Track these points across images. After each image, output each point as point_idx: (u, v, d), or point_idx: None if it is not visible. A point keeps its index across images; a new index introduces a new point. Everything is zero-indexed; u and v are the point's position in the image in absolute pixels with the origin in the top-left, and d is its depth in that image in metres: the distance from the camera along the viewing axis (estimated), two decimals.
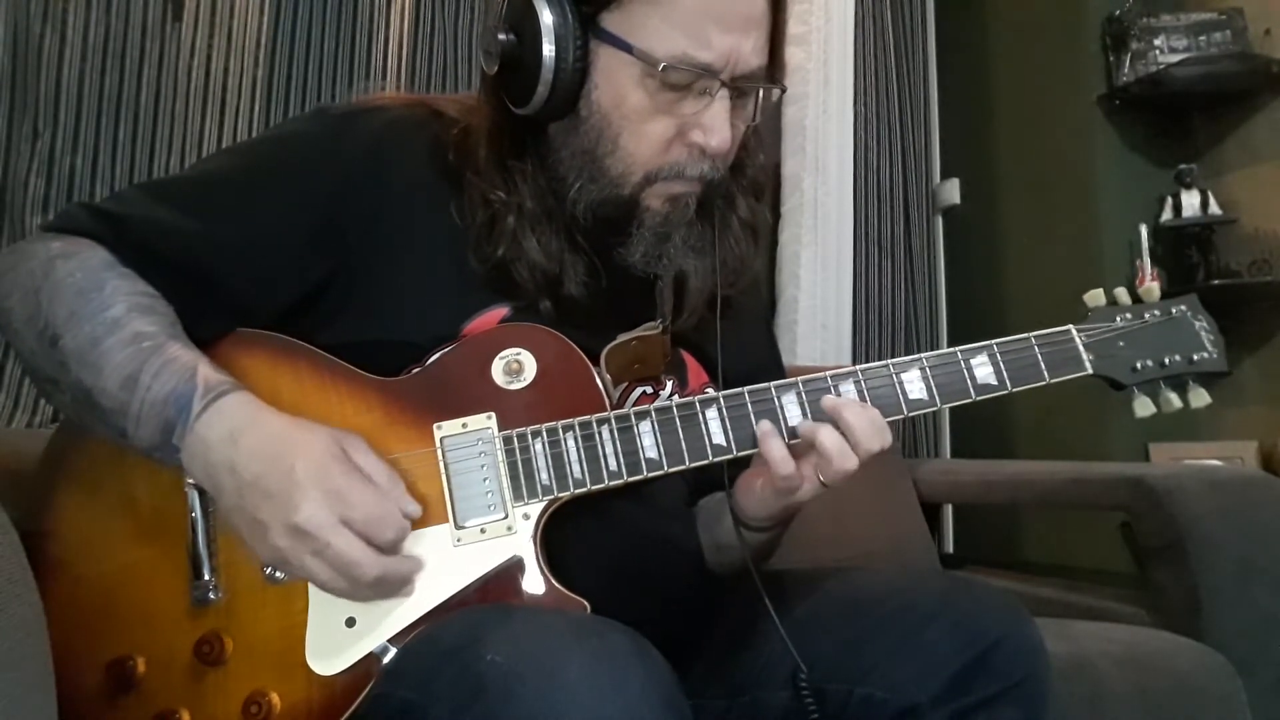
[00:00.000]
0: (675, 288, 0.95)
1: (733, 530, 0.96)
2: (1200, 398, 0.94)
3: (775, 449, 0.84)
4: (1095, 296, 0.95)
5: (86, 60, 1.83)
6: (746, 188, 1.02)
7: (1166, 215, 2.17)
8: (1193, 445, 2.10)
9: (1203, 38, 2.15)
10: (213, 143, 1.93)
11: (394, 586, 0.77)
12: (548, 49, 0.84)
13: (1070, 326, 0.91)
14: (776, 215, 2.38)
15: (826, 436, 0.83)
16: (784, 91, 0.94)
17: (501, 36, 0.87)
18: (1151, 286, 0.96)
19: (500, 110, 0.91)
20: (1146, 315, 0.94)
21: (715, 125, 0.86)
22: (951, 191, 2.59)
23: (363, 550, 0.74)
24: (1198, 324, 0.94)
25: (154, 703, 0.77)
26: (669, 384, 0.98)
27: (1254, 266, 2.08)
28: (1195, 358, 0.93)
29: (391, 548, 0.76)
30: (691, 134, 0.87)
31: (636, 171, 0.88)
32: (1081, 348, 0.90)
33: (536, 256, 0.89)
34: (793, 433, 0.85)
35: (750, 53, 0.86)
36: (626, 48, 0.84)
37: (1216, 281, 2.08)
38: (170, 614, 0.79)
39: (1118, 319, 0.93)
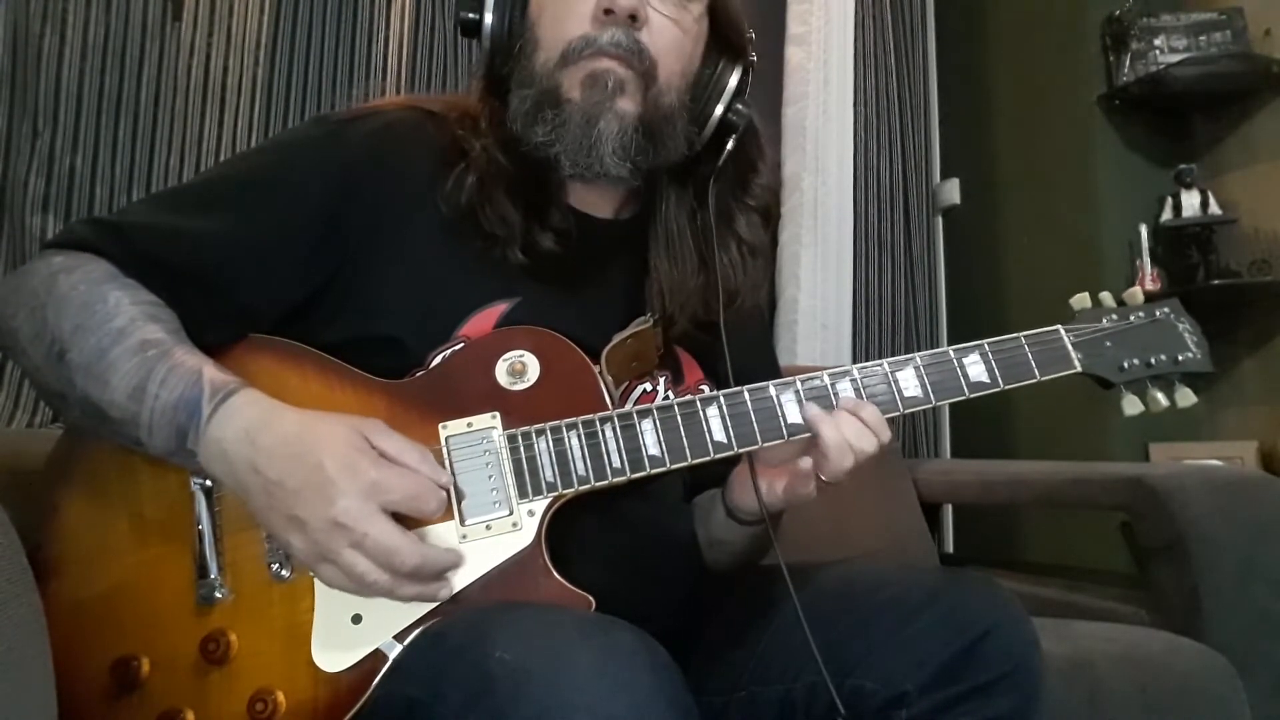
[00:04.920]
0: (658, 283, 0.97)
1: (725, 525, 0.98)
2: (1186, 397, 0.96)
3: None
4: (1081, 300, 0.97)
5: (86, 60, 1.82)
6: (751, 207, 1.03)
7: (1166, 215, 2.18)
8: (1193, 445, 2.11)
9: (1203, 38, 2.16)
10: (213, 142, 1.93)
11: (432, 579, 0.77)
12: None
13: (1059, 326, 0.94)
14: (776, 216, 2.38)
15: (828, 432, 0.84)
16: None
17: None
18: (1135, 291, 0.98)
19: (478, 65, 0.96)
20: (1131, 317, 0.96)
21: None
22: (951, 191, 2.60)
23: (401, 538, 0.74)
24: (1181, 326, 0.97)
25: (158, 702, 0.77)
26: (661, 379, 0.99)
27: (1254, 266, 2.08)
28: (1180, 358, 0.95)
29: (435, 518, 0.77)
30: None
31: (554, 54, 0.90)
32: (1070, 347, 0.93)
33: (502, 203, 0.91)
34: (793, 430, 0.86)
35: None
36: None
37: (1216, 281, 2.09)
38: (175, 613, 0.79)
39: (1104, 320, 0.95)
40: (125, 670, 0.77)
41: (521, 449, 0.83)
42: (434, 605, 0.78)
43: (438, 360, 0.88)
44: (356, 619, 0.77)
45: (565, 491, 0.82)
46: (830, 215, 2.37)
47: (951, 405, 0.91)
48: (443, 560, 0.77)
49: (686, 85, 0.95)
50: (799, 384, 0.88)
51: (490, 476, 0.82)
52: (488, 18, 0.93)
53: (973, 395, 0.90)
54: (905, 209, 2.51)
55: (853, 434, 0.85)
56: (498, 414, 0.84)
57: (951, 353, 0.91)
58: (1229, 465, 2.00)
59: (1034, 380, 0.91)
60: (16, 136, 1.74)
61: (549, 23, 0.91)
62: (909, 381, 0.89)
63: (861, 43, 2.49)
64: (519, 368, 0.86)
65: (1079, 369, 0.93)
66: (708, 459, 0.85)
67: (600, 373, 0.89)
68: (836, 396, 0.88)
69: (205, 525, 0.80)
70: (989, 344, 0.91)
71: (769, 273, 2.32)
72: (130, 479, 0.83)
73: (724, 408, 0.86)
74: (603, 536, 0.88)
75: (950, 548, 2.39)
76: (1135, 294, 0.98)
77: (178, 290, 0.85)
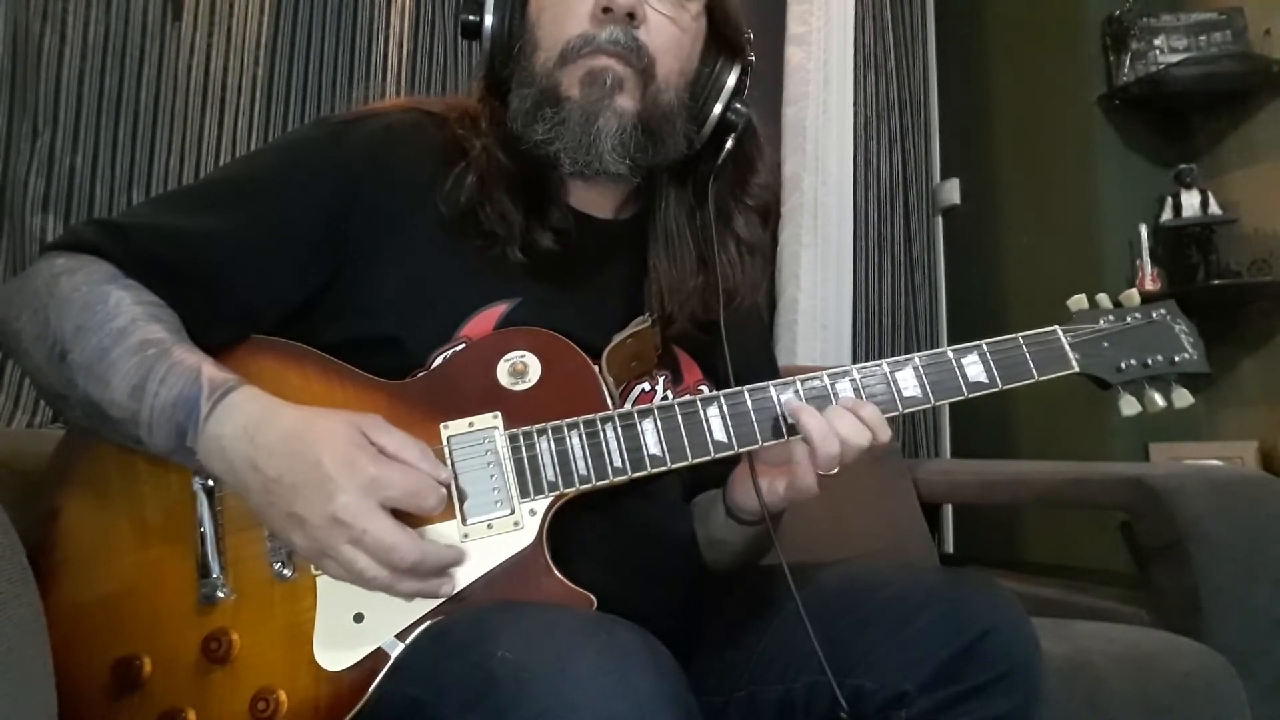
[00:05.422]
0: (657, 282, 0.98)
1: (725, 525, 0.98)
2: (1183, 398, 0.96)
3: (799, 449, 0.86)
4: (1078, 301, 0.97)
5: (86, 60, 1.83)
6: (750, 206, 1.03)
7: (1166, 215, 2.18)
8: (1193, 445, 2.11)
9: (1203, 38, 2.16)
10: (213, 142, 1.93)
11: (432, 575, 0.77)
12: None
13: (1056, 327, 0.94)
14: (776, 216, 2.38)
15: (808, 419, 0.84)
16: None
17: None
18: (1131, 292, 0.99)
19: (479, 67, 0.97)
20: (1128, 318, 0.97)
21: None
22: (951, 191, 2.60)
23: (400, 534, 0.74)
24: (1177, 327, 0.97)
25: (160, 702, 0.77)
26: (660, 379, 1.00)
27: (1254, 266, 2.08)
28: (1177, 359, 0.96)
29: (435, 514, 0.77)
30: None
31: (554, 53, 0.91)
32: (1068, 347, 0.93)
33: (502, 202, 0.91)
34: (793, 429, 0.87)
35: None
36: None
37: (1216, 281, 2.09)
38: (177, 613, 0.79)
39: (1101, 321, 0.96)
40: (127, 670, 0.77)
41: (523, 448, 0.83)
42: (436, 604, 0.78)
43: (439, 361, 0.88)
44: (358, 618, 0.77)
45: (567, 491, 0.82)
46: (830, 215, 2.38)
47: (951, 405, 0.92)
48: (441, 556, 0.77)
49: (685, 84, 0.95)
50: (799, 384, 0.88)
51: (492, 476, 0.82)
52: (488, 19, 0.93)
53: (971, 395, 0.90)
54: (905, 209, 2.52)
55: (843, 427, 0.85)
56: (499, 414, 0.84)
57: (950, 353, 0.91)
58: (1229, 465, 2.00)
59: (1032, 380, 0.92)
60: (16, 136, 1.75)
61: (548, 23, 0.92)
62: (908, 382, 0.90)
63: (861, 43, 2.50)
64: (520, 368, 0.86)
65: (1076, 369, 0.93)
66: (708, 458, 0.86)
67: (601, 373, 0.89)
68: (836, 396, 0.88)
69: (207, 525, 0.81)
70: (987, 344, 0.92)
71: (768, 272, 2.33)
72: (131, 480, 0.83)
73: (724, 407, 0.87)
74: (604, 536, 0.88)
75: (950, 548, 2.39)
76: (1132, 295, 0.99)
77: (179, 290, 0.85)
